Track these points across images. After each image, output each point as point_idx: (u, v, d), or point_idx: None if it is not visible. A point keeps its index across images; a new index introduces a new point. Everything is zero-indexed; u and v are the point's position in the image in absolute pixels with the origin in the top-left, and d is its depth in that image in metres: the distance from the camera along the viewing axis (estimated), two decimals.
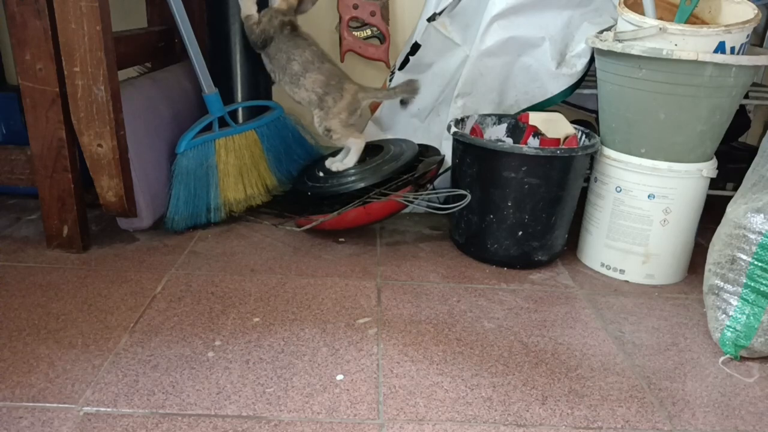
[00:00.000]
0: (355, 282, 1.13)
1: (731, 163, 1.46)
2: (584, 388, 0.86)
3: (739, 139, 1.68)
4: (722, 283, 0.95)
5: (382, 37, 1.54)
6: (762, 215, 0.91)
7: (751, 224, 0.91)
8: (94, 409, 0.77)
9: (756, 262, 0.90)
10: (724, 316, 0.95)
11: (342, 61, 1.56)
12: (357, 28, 1.54)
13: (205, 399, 0.80)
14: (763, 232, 0.90)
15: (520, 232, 1.18)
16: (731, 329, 0.93)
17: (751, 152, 1.61)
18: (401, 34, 1.59)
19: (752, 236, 0.91)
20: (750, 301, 0.92)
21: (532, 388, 0.85)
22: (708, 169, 1.13)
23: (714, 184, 1.18)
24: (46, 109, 1.08)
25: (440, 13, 1.31)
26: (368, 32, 1.54)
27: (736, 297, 0.93)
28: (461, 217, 1.25)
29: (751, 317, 0.91)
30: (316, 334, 0.96)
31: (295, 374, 0.85)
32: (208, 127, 1.32)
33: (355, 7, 1.51)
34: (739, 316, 0.93)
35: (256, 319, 0.99)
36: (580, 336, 0.99)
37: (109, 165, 1.12)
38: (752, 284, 0.91)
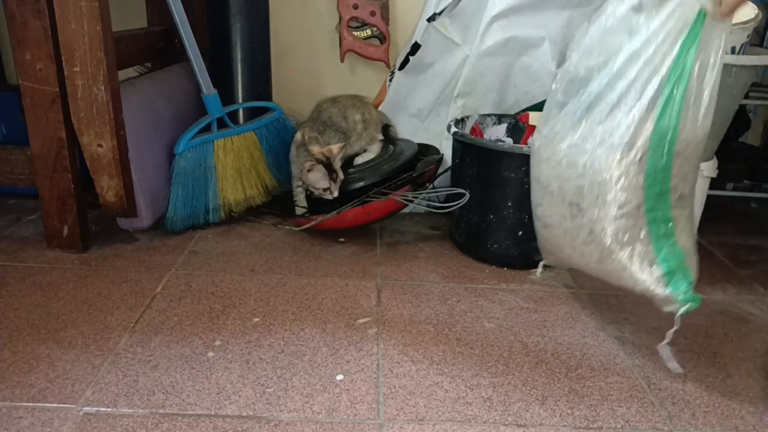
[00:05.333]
0: (355, 282, 1.13)
1: (731, 163, 1.46)
2: (584, 388, 0.86)
3: (739, 139, 1.68)
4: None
5: (382, 37, 1.54)
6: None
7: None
8: (94, 409, 0.77)
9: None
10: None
11: (342, 61, 1.56)
12: (357, 28, 1.54)
13: (205, 399, 0.79)
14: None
15: (520, 232, 1.18)
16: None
17: (751, 152, 1.62)
18: (401, 34, 1.59)
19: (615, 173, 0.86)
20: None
21: (532, 388, 0.85)
22: (708, 169, 1.13)
23: (714, 184, 1.18)
24: (46, 109, 1.08)
25: (440, 13, 1.31)
26: (368, 32, 1.54)
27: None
28: (461, 217, 1.25)
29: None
30: (316, 334, 0.96)
31: (295, 374, 0.85)
32: (207, 128, 1.32)
33: (355, 7, 1.51)
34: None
35: (256, 319, 0.99)
36: (580, 336, 0.99)
37: (109, 165, 1.12)
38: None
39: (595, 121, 0.87)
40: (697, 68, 0.80)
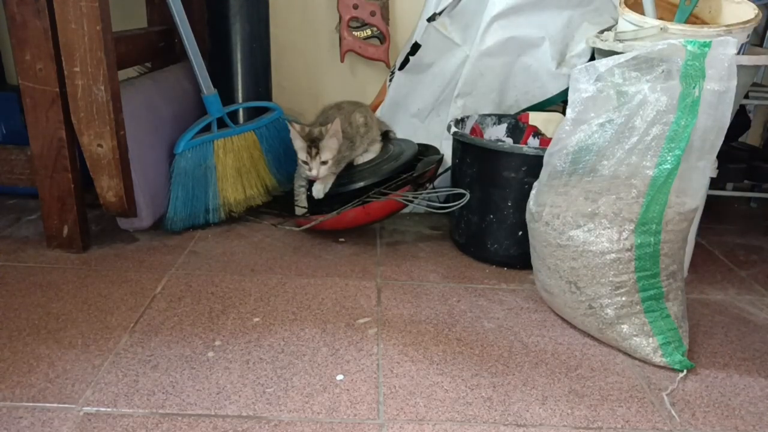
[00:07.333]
0: (355, 282, 1.13)
1: (731, 163, 1.46)
2: (584, 388, 0.86)
3: (739, 139, 1.68)
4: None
5: (382, 37, 1.54)
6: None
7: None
8: (94, 409, 0.77)
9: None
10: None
11: (342, 61, 1.56)
12: (357, 28, 1.54)
13: (205, 399, 0.80)
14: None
15: (520, 232, 1.18)
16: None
17: (751, 152, 1.62)
18: (401, 34, 1.59)
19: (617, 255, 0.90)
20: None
21: (532, 388, 0.85)
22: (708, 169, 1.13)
23: (714, 184, 1.18)
24: (46, 109, 1.08)
25: (440, 13, 1.31)
26: (368, 32, 1.54)
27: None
28: (461, 217, 1.25)
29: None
30: (316, 334, 0.96)
31: (295, 374, 0.85)
32: (207, 128, 1.32)
33: (355, 7, 1.51)
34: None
35: (256, 319, 0.99)
36: (579, 336, 0.99)
37: (109, 165, 1.12)
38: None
39: (582, 206, 0.92)
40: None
